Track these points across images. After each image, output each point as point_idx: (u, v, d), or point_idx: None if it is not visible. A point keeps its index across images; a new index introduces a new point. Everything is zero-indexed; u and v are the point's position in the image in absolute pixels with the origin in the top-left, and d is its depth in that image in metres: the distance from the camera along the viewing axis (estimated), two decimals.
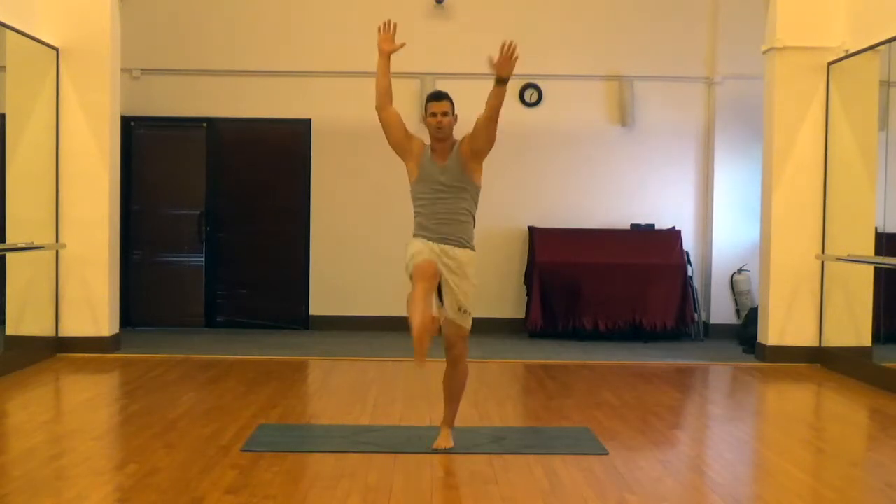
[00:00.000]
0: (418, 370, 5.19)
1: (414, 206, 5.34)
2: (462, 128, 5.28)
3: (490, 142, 5.19)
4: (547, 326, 9.89)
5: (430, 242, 5.18)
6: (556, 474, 4.86)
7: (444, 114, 5.21)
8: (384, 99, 5.28)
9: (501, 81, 5.02)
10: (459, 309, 5.19)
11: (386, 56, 5.28)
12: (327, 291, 10.42)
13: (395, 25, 5.32)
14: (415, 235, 5.29)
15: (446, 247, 5.18)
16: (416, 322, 4.80)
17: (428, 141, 5.32)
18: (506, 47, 4.97)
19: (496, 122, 5.13)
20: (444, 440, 5.32)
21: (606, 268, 9.90)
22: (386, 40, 5.29)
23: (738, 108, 10.23)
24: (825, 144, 8.51)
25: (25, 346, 8.05)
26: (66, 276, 8.43)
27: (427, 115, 5.27)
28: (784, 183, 8.57)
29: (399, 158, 5.41)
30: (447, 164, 5.21)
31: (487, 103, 5.11)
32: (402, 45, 5.32)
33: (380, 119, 5.32)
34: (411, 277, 5.09)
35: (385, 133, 5.34)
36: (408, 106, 9.49)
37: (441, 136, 5.22)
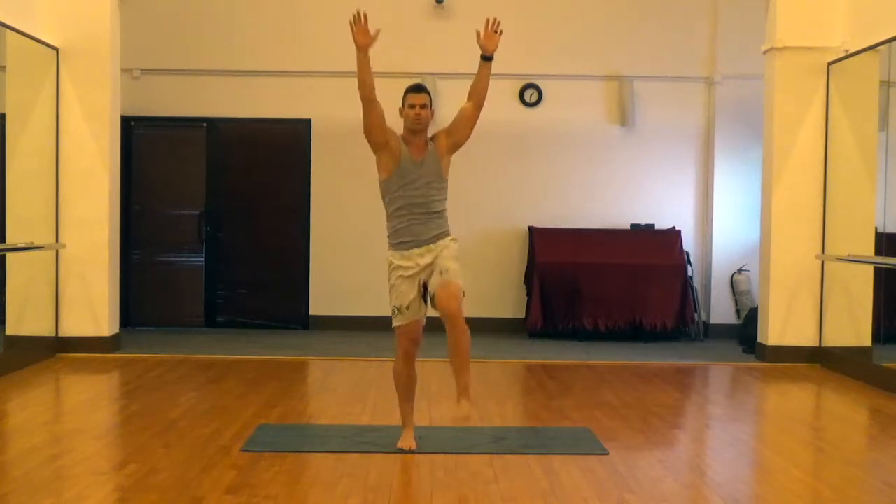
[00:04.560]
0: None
1: (387, 206, 5.31)
2: (439, 125, 5.39)
3: (471, 128, 5.27)
4: (547, 326, 9.89)
5: (412, 249, 5.20)
6: (556, 474, 4.86)
7: (423, 106, 5.19)
8: (373, 93, 5.09)
9: (488, 58, 5.23)
10: (442, 273, 5.11)
11: (364, 51, 5.05)
12: (327, 291, 10.42)
13: (365, 16, 5.05)
14: (393, 246, 5.29)
15: (424, 248, 5.21)
16: (405, 434, 5.32)
17: (399, 134, 5.27)
18: (490, 22, 5.20)
19: (481, 108, 5.26)
20: (465, 408, 5.08)
21: (606, 268, 9.90)
22: (361, 33, 5.03)
23: (738, 108, 10.23)
24: (825, 144, 8.51)
25: (25, 346, 8.05)
26: (66, 276, 8.43)
27: (405, 106, 5.22)
28: (784, 183, 8.57)
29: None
30: (424, 158, 5.23)
31: (475, 86, 5.24)
32: (378, 33, 5.06)
33: (366, 109, 5.11)
34: (396, 330, 5.30)
35: (366, 123, 5.15)
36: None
37: (418, 128, 5.22)
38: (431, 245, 5.23)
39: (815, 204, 8.54)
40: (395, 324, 5.30)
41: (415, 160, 5.21)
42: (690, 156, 10.57)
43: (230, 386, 7.15)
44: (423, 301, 5.25)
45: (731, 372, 8.35)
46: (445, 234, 5.30)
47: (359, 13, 5.05)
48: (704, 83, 10.51)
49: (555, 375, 7.84)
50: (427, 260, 5.20)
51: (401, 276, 5.26)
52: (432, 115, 5.29)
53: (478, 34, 5.26)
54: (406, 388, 5.38)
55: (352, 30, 5.04)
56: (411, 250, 5.24)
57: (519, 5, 10.46)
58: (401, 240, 5.28)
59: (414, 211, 5.23)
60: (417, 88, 5.28)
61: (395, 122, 5.33)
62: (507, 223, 10.41)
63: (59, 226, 8.39)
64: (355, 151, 10.39)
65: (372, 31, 5.05)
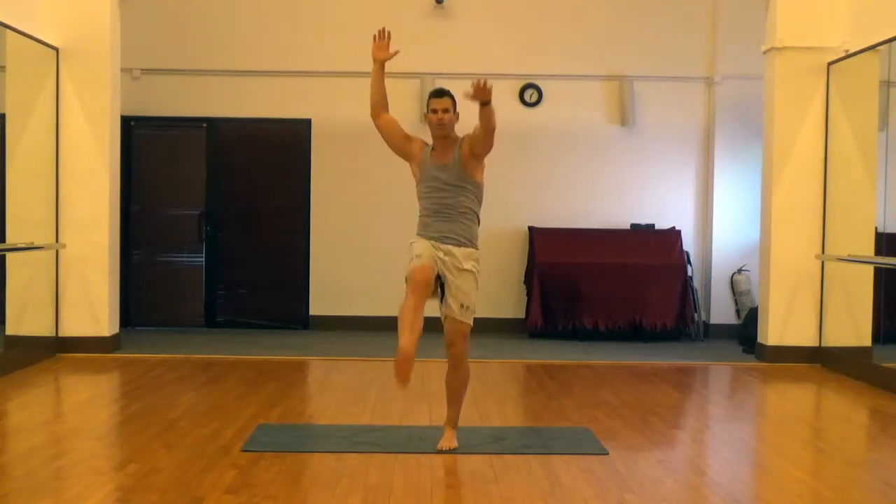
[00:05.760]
0: (399, 388, 5.11)
1: (419, 207, 5.37)
2: (463, 126, 5.31)
3: (488, 149, 5.21)
4: (547, 326, 9.89)
5: (432, 241, 5.21)
6: (556, 474, 4.86)
7: (445, 111, 5.23)
8: (378, 108, 5.35)
9: (484, 104, 4.98)
10: (462, 306, 5.20)
11: (380, 64, 5.31)
12: (327, 291, 10.42)
13: (389, 33, 5.33)
14: (417, 235, 5.32)
15: (447, 246, 5.19)
16: (402, 344, 4.83)
17: (430, 140, 5.36)
18: (478, 82, 4.90)
19: (493, 135, 5.12)
20: (448, 441, 5.32)
21: (606, 268, 9.89)
22: (380, 48, 5.31)
23: (738, 108, 10.23)
24: (825, 144, 8.51)
25: (25, 346, 8.05)
26: (66, 276, 8.43)
27: (428, 111, 5.30)
28: (784, 183, 8.57)
29: (402, 161, 5.46)
30: (448, 162, 5.24)
31: (480, 125, 5.08)
32: (396, 53, 5.33)
33: (376, 127, 5.39)
34: (407, 281, 5.13)
35: (384, 140, 5.41)
36: (408, 106, 9.51)
37: (442, 133, 5.25)
38: (452, 246, 5.19)
39: (815, 204, 8.54)
40: (407, 271, 5.14)
41: (437, 164, 5.25)
42: (690, 156, 10.57)
43: (230, 386, 7.15)
44: (437, 283, 5.19)
45: (731, 372, 8.35)
46: (465, 241, 5.23)
47: (383, 30, 5.32)
48: (704, 83, 10.51)
49: (555, 375, 7.84)
50: (444, 254, 5.17)
51: (421, 240, 5.21)
52: (457, 117, 5.29)
53: (466, 93, 5.01)
54: (411, 318, 4.94)
55: (373, 43, 5.29)
56: (436, 242, 5.21)
57: (519, 5, 10.47)
58: (426, 234, 5.27)
59: (441, 212, 5.23)
60: (439, 93, 5.31)
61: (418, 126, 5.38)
62: (507, 223, 10.41)
63: (59, 226, 8.39)
64: (355, 151, 10.44)
65: (392, 49, 5.29)
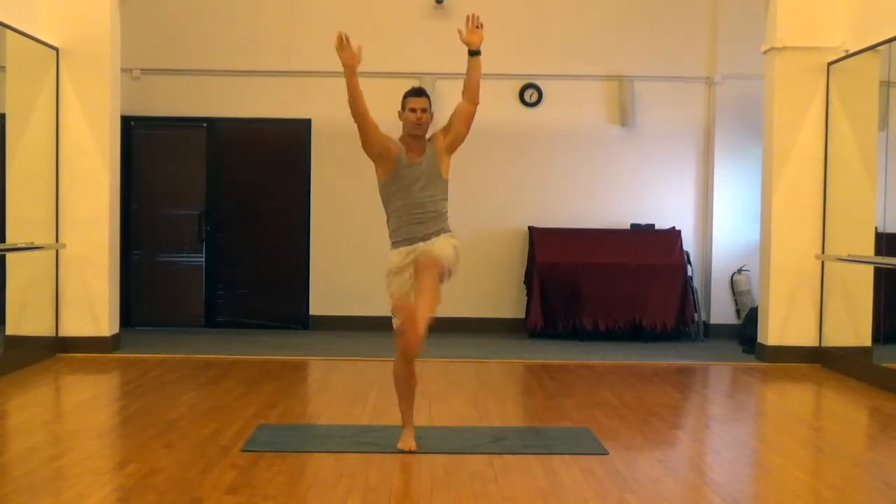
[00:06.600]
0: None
1: (387, 210, 5.38)
2: (437, 126, 5.40)
3: (468, 125, 5.28)
4: (547, 326, 9.89)
5: (406, 247, 5.27)
6: (556, 474, 4.86)
7: (424, 110, 5.26)
8: (364, 105, 5.15)
9: (475, 53, 5.22)
10: (437, 256, 5.18)
11: (353, 71, 5.14)
12: (327, 291, 10.42)
13: (347, 37, 5.15)
14: (392, 244, 5.37)
15: (421, 244, 5.25)
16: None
17: (396, 138, 5.35)
18: (471, 19, 5.22)
19: (476, 104, 5.26)
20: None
21: (606, 268, 9.90)
22: (350, 56, 5.14)
23: (738, 108, 10.23)
24: (825, 144, 8.51)
25: (25, 346, 8.05)
26: (66, 276, 8.43)
27: (405, 110, 5.28)
28: (784, 183, 8.58)
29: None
30: (421, 159, 5.27)
31: (467, 82, 5.25)
32: (360, 49, 5.15)
33: (362, 124, 5.17)
34: (393, 313, 5.30)
35: (364, 138, 5.21)
36: None
37: (419, 132, 5.27)
38: (421, 244, 5.27)
39: (815, 204, 8.54)
40: (395, 323, 5.31)
41: (412, 162, 5.26)
42: (690, 156, 10.57)
43: (230, 386, 7.15)
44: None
45: (731, 372, 8.35)
46: (444, 230, 5.33)
47: (341, 36, 5.16)
48: (704, 83, 10.51)
49: (555, 375, 7.84)
50: (417, 250, 5.26)
51: (394, 274, 5.34)
52: (432, 117, 5.33)
53: (460, 32, 5.29)
54: (405, 389, 5.40)
55: (339, 54, 5.16)
56: (407, 247, 5.29)
57: (519, 5, 10.46)
58: (400, 238, 5.34)
59: (413, 212, 5.28)
60: (417, 92, 5.33)
61: (391, 125, 5.38)
62: (507, 223, 10.41)
63: (59, 226, 8.39)
64: (355, 151, 10.27)
65: (355, 46, 5.16)
